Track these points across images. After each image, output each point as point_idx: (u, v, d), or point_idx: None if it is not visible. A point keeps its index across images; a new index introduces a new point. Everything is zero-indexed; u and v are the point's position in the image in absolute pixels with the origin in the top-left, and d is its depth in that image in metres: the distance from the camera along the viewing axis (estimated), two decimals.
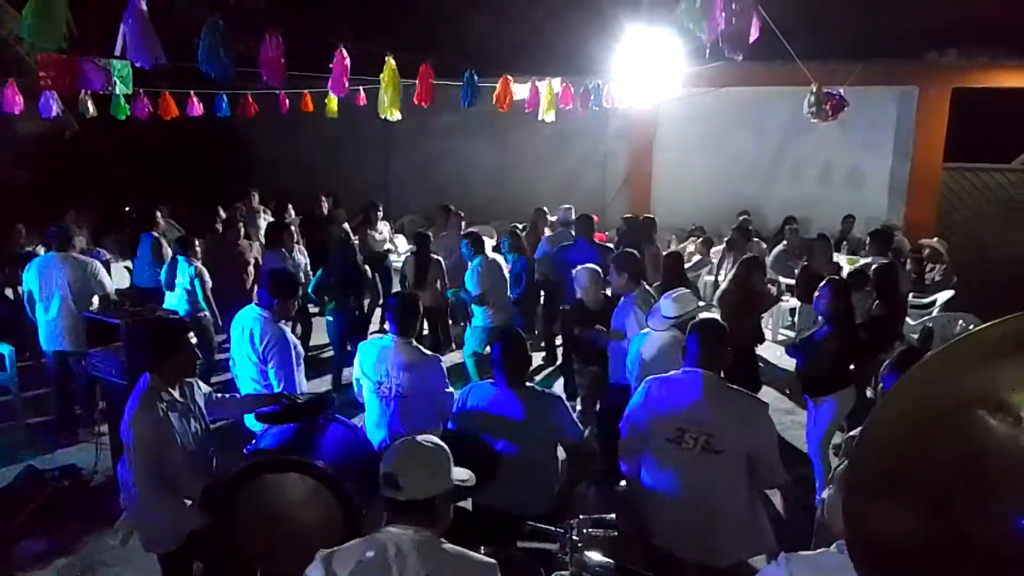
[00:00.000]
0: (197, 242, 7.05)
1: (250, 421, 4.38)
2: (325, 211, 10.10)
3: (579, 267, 5.75)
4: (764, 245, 9.59)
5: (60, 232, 6.28)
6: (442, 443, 2.24)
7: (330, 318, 7.17)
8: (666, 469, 3.22)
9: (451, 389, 4.06)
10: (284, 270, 4.54)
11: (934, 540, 0.90)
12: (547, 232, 9.03)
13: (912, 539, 0.92)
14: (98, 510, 4.79)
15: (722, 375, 3.40)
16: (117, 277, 8.14)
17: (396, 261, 10.88)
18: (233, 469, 3.24)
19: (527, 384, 3.63)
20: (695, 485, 3.15)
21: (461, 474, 2.29)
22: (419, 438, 2.23)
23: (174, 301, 6.68)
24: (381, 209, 9.95)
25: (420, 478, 2.11)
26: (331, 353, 7.73)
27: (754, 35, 3.84)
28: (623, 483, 3.38)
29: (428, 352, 4.11)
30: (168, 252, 7.75)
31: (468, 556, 2.11)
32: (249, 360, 4.27)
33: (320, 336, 8.10)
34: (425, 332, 7.88)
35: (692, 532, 3.18)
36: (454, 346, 8.59)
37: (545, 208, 9.56)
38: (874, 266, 6.56)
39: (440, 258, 7.76)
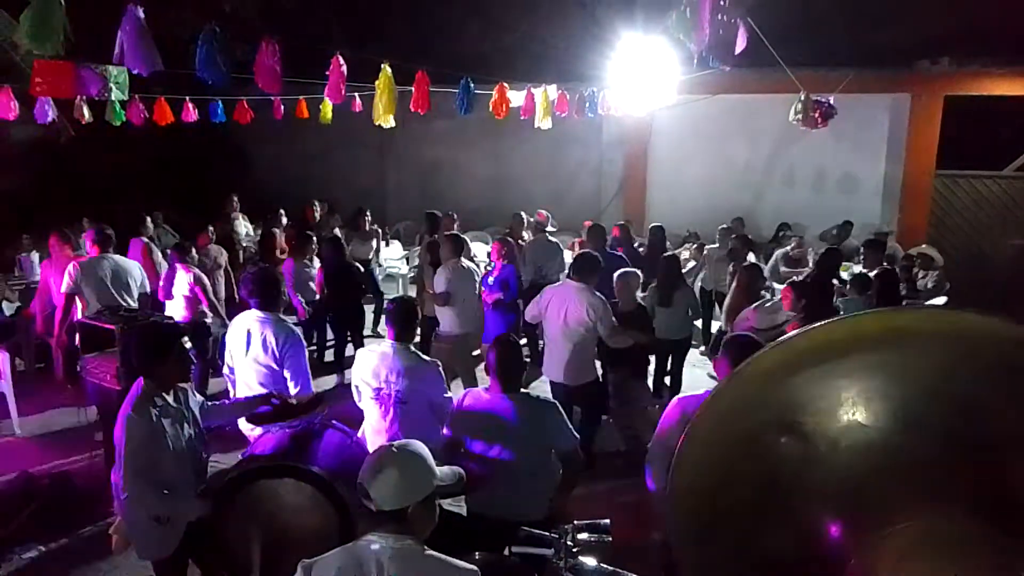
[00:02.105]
0: (194, 249, 7.04)
1: (243, 425, 4.39)
2: (317, 217, 10.09)
3: (625, 271, 6.02)
4: (752, 256, 9.63)
5: (105, 233, 6.34)
6: (421, 450, 2.19)
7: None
8: None
9: (450, 394, 4.07)
10: (259, 271, 4.63)
11: (751, 570, 0.92)
12: (526, 236, 9.05)
13: (736, 568, 0.93)
14: (92, 516, 4.79)
15: None
16: None
17: (391, 267, 10.91)
18: (229, 474, 3.24)
19: (522, 390, 3.65)
20: None
21: (446, 474, 2.26)
22: (396, 445, 2.18)
23: (175, 309, 6.65)
24: (369, 215, 9.95)
25: (392, 489, 2.07)
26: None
27: (741, 46, 3.88)
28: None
29: (427, 357, 4.12)
30: (158, 257, 7.74)
31: (449, 563, 2.09)
32: (257, 364, 4.28)
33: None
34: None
35: None
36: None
37: (523, 213, 9.55)
38: (874, 272, 6.60)
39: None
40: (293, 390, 4.20)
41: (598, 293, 5.44)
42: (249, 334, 4.30)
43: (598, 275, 5.61)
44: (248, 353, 4.30)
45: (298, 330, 4.39)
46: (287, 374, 4.24)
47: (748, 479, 0.94)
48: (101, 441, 5.40)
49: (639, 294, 6.20)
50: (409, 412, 3.94)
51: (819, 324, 1.00)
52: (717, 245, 9.40)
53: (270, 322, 4.29)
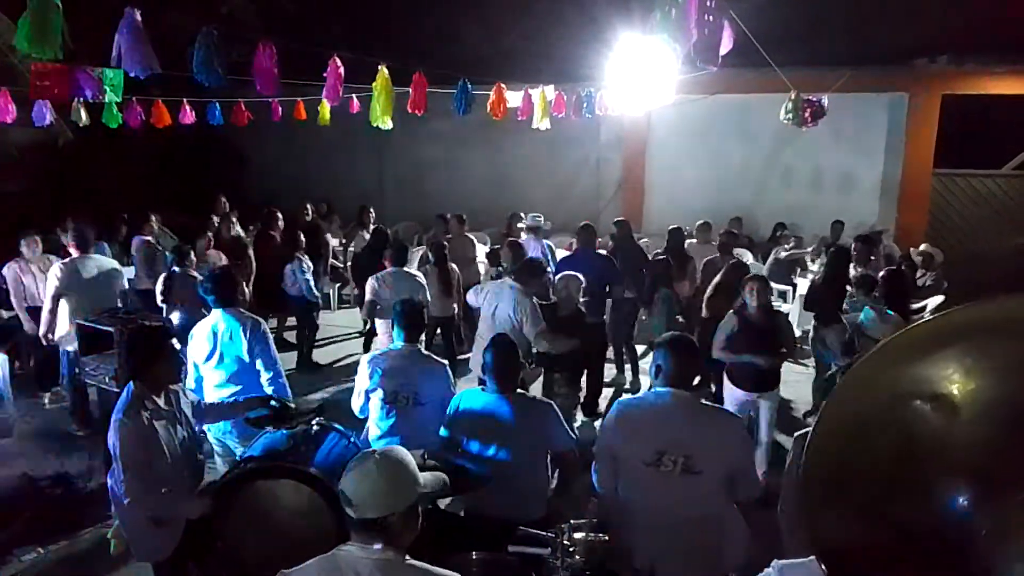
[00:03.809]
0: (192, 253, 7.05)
1: (215, 432, 4.39)
2: (309, 219, 10.09)
3: (566, 273, 6.02)
4: (749, 255, 9.71)
5: (80, 234, 6.36)
6: (405, 457, 2.11)
7: None
8: (644, 492, 3.13)
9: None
10: (213, 270, 4.69)
11: (883, 529, 0.93)
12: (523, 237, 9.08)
13: (865, 531, 0.95)
14: (91, 518, 4.80)
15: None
16: None
17: None
18: (227, 475, 3.25)
19: (518, 391, 3.66)
20: (676, 506, 3.06)
21: (429, 482, 2.17)
22: (379, 451, 2.11)
23: (174, 313, 6.64)
24: (373, 212, 10.06)
25: (374, 496, 2.01)
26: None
27: (728, 46, 3.85)
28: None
29: (436, 358, 4.16)
30: (159, 257, 7.77)
31: (431, 572, 2.04)
32: (228, 361, 4.29)
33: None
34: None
35: (676, 551, 3.08)
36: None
37: (522, 214, 9.63)
38: (882, 273, 6.63)
39: (455, 267, 7.78)
40: (265, 376, 4.22)
41: (529, 295, 5.48)
42: (215, 334, 4.31)
43: (538, 280, 5.74)
44: (216, 353, 4.31)
45: (263, 322, 4.44)
46: (258, 364, 4.27)
47: (887, 444, 0.96)
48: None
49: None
50: (419, 413, 3.97)
51: (973, 302, 1.03)
52: (695, 240, 9.42)
53: (233, 316, 4.33)
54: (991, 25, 10.49)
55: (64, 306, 6.14)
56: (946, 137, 11.87)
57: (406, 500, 2.04)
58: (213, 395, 4.30)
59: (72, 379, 6.35)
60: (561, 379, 5.95)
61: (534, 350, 5.59)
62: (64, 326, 6.21)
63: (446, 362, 4.18)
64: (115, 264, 6.64)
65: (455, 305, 7.54)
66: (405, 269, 6.67)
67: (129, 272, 8.74)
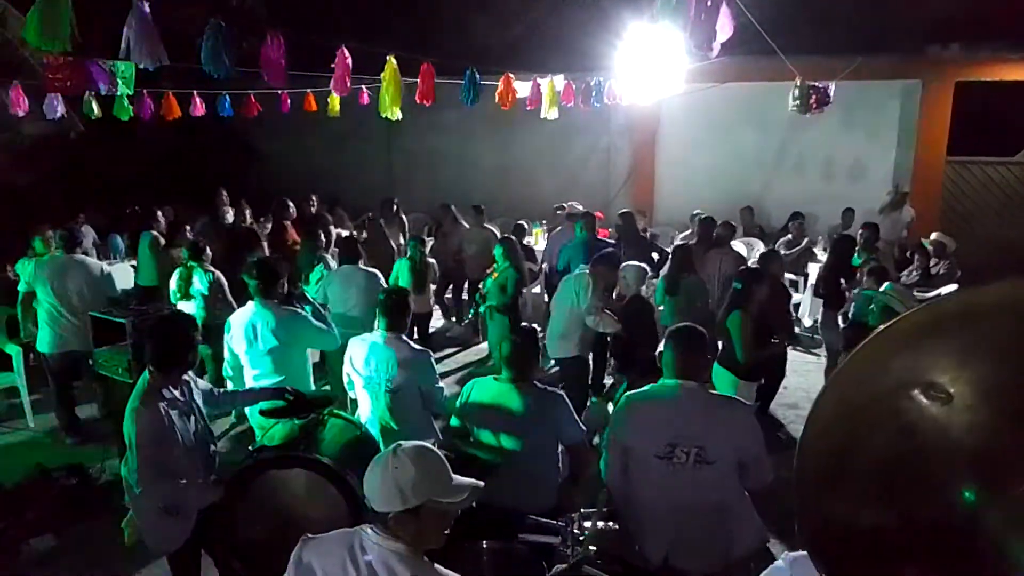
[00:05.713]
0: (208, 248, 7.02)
1: (255, 420, 4.43)
2: (314, 211, 10.08)
3: (629, 263, 6.31)
4: (761, 245, 9.68)
5: (68, 235, 6.34)
6: (421, 460, 2.05)
7: None
8: (656, 484, 3.13)
9: (441, 384, 4.17)
10: (259, 260, 4.71)
11: (881, 525, 0.93)
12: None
13: (862, 527, 0.94)
14: (106, 509, 4.84)
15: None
16: (125, 275, 8.25)
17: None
18: (239, 466, 3.27)
19: (532, 381, 3.65)
20: (689, 497, 3.07)
21: (461, 487, 2.13)
22: (400, 447, 2.08)
23: (191, 308, 6.63)
24: (396, 205, 10.09)
25: (373, 488, 2.03)
26: None
27: (726, 34, 3.79)
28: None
29: (418, 347, 4.16)
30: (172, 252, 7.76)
31: (440, 573, 2.04)
32: (269, 354, 4.35)
33: None
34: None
35: (688, 541, 3.12)
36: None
37: (566, 205, 9.70)
38: (869, 267, 6.64)
39: (433, 261, 7.77)
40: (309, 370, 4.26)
41: (594, 277, 5.80)
42: (253, 327, 4.34)
43: (606, 267, 5.91)
44: (255, 346, 4.34)
45: (301, 312, 4.49)
46: (299, 358, 4.35)
47: (884, 435, 0.96)
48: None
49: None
50: (399, 400, 4.00)
51: (968, 288, 1.03)
52: (688, 231, 9.37)
53: (271, 310, 4.36)
54: (1004, 12, 10.37)
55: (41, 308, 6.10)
56: (959, 124, 11.75)
57: (404, 502, 1.98)
58: (252, 383, 4.39)
59: (57, 387, 6.24)
60: (613, 365, 6.29)
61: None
62: (43, 328, 6.11)
63: (428, 351, 4.18)
64: (94, 264, 6.46)
65: (431, 301, 7.50)
66: (358, 266, 6.45)
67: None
